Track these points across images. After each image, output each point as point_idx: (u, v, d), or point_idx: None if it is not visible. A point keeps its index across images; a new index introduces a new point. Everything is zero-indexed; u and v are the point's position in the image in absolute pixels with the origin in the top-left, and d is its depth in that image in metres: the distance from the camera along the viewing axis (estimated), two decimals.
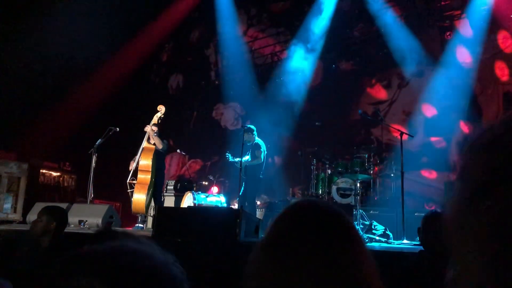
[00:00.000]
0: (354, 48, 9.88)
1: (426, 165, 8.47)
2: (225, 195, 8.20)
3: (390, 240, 5.70)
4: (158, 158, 7.26)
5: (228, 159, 7.20)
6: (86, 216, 6.32)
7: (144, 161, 7.03)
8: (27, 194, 6.96)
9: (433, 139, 8.56)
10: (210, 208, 6.53)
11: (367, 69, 9.67)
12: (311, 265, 0.78)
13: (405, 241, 5.46)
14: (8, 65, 8.53)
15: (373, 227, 6.00)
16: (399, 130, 6.13)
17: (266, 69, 10.97)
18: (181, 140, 10.79)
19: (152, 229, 5.04)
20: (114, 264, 0.63)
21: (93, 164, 7.02)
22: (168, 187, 8.59)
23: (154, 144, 7.14)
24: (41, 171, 8.50)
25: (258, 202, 9.32)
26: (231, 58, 11.47)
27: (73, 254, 0.65)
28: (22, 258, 3.36)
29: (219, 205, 7.61)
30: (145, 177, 6.98)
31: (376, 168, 7.95)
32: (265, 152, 7.25)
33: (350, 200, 7.14)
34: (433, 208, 6.81)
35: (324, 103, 9.73)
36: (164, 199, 8.12)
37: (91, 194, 7.01)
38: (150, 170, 7.01)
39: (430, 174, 8.39)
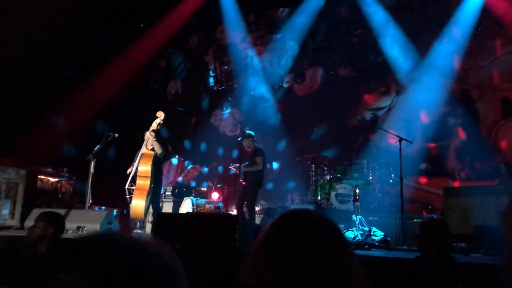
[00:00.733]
0: (353, 54, 9.92)
1: (425, 171, 8.48)
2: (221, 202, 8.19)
3: (389, 246, 5.68)
4: (157, 164, 7.26)
5: (230, 172, 7.24)
6: (84, 222, 6.29)
7: (143, 167, 7.02)
8: (25, 200, 6.93)
9: (431, 145, 8.58)
10: (208, 215, 6.52)
11: (366, 75, 9.70)
12: (299, 269, 0.79)
13: (404, 247, 5.45)
14: (6, 71, 8.53)
15: (372, 233, 5.99)
16: (397, 136, 6.13)
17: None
18: (179, 146, 10.79)
19: (151, 235, 5.03)
20: (103, 258, 0.62)
21: (92, 170, 7.00)
22: (166, 193, 8.57)
23: (153, 150, 7.15)
24: (39, 177, 8.48)
25: (257, 208, 9.33)
26: (230, 64, 11.52)
27: (61, 251, 0.64)
28: (19, 264, 3.35)
29: (218, 211, 7.60)
30: (144, 183, 6.96)
31: (375, 174, 7.96)
32: (265, 159, 7.26)
33: (349, 206, 7.13)
34: (431, 214, 6.81)
35: (323, 109, 9.76)
36: (162, 205, 8.11)
37: (89, 200, 6.99)
38: (149, 176, 6.99)
39: (428, 180, 8.39)
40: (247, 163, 7.19)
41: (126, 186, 7.03)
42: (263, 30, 11.35)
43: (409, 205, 7.96)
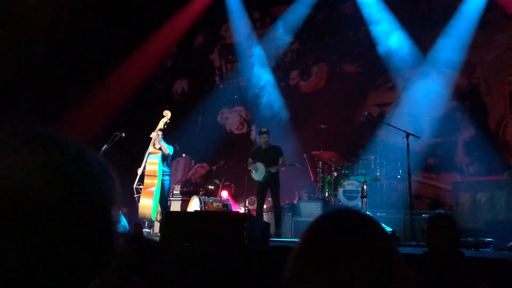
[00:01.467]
0: (358, 50, 9.88)
1: (433, 166, 8.43)
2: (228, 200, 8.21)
3: (398, 242, 5.68)
4: (164, 163, 7.32)
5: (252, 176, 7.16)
6: None
7: (151, 166, 7.09)
8: None
9: (439, 140, 8.52)
10: (216, 213, 6.54)
11: (372, 71, 9.65)
12: (355, 274, 0.76)
13: (413, 242, 5.43)
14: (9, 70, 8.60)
15: None
16: (405, 131, 6.11)
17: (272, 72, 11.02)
18: (187, 145, 10.83)
19: (159, 234, 5.06)
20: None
21: None
22: (174, 192, 8.64)
23: (160, 149, 7.20)
24: None
25: (264, 206, 9.34)
26: (235, 62, 11.52)
27: None
28: None
29: (226, 209, 7.63)
30: (151, 182, 7.03)
31: (383, 170, 7.94)
32: None
33: (357, 202, 7.16)
34: (439, 209, 6.77)
35: (329, 106, 9.74)
36: (170, 204, 8.18)
37: None
38: (157, 175, 7.06)
39: (437, 175, 8.35)
40: (256, 166, 7.14)
41: (134, 185, 7.10)
42: (268, 27, 11.33)
43: (417, 201, 7.93)
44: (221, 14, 11.22)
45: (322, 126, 8.82)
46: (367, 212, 6.25)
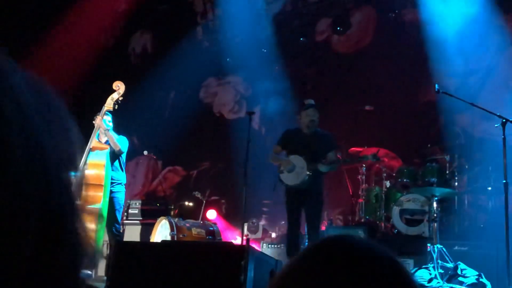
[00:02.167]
0: None
1: None
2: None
3: None
4: (115, 165, 7.30)
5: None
6: None
7: (93, 171, 7.07)
8: None
9: None
10: (197, 244, 6.51)
11: None
12: None
13: None
14: None
15: (459, 272, 6.02)
16: (500, 117, 6.06)
17: (285, 21, 10.94)
18: (150, 136, 10.81)
19: (106, 278, 5.03)
20: None
21: None
22: (130, 211, 8.65)
23: (108, 143, 7.17)
24: None
25: (273, 235, 9.33)
26: (229, 5, 11.46)
27: None
28: None
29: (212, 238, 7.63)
30: (94, 196, 7.00)
31: (463, 178, 7.94)
32: None
33: (422, 229, 7.20)
34: None
35: (378, 75, 9.68)
36: (124, 230, 8.21)
37: None
38: (103, 184, 7.04)
39: None
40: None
41: None
42: None
43: None
44: None
45: (366, 107, 8.81)
46: (439, 246, 6.21)
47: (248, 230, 9.21)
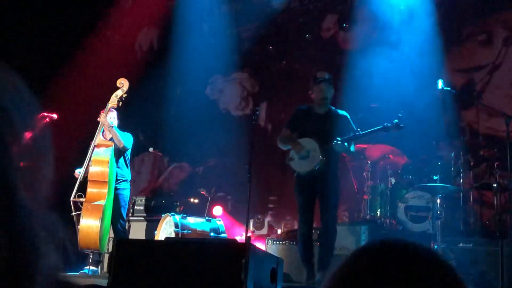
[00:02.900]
0: None
1: None
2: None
3: None
4: (120, 162, 7.33)
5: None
6: None
7: (97, 167, 7.10)
8: None
9: None
10: (199, 242, 6.51)
11: (453, 16, 9.54)
12: None
13: None
14: None
15: (464, 271, 5.94)
16: (505, 114, 6.10)
17: (293, 17, 10.95)
18: (156, 133, 10.82)
19: (108, 275, 5.05)
20: None
21: None
22: (136, 207, 8.67)
23: (112, 140, 7.19)
24: None
25: (279, 231, 9.34)
26: (235, 2, 11.45)
27: None
28: None
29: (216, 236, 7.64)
30: (98, 192, 7.04)
31: (469, 175, 7.94)
32: None
33: (427, 226, 7.22)
34: None
35: (384, 72, 9.64)
36: (129, 226, 8.23)
37: None
38: (107, 180, 7.08)
39: None
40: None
41: (71, 198, 7.11)
42: None
43: None
44: None
45: (372, 105, 8.76)
46: (435, 246, 6.20)
47: (253, 226, 9.23)
